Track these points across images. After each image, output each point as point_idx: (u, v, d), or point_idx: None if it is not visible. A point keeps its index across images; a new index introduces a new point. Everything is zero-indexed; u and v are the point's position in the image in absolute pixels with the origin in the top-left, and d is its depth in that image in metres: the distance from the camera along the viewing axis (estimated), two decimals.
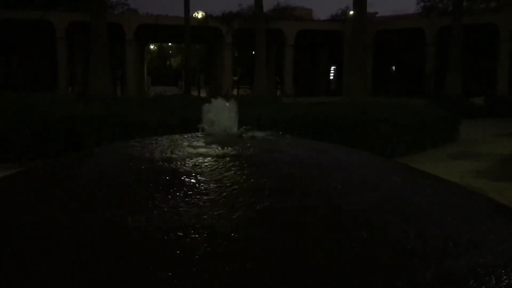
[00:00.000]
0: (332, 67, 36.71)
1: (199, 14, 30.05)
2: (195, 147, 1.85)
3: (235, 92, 30.19)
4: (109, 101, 11.97)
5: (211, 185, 1.47)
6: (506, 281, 1.20)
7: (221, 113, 2.10)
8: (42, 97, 13.30)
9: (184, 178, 1.53)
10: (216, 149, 1.80)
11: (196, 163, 1.64)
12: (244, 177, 1.52)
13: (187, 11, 27.58)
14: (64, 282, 1.14)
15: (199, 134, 2.17)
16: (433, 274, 1.17)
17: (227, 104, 2.13)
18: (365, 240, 1.27)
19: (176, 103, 11.58)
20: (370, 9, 27.36)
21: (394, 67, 34.68)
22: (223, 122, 2.07)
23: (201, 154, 1.74)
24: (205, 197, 1.39)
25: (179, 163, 1.64)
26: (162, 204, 1.39)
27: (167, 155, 1.73)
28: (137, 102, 12.53)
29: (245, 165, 1.62)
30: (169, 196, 1.43)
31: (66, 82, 28.45)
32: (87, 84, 23.35)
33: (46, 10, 27.28)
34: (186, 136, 2.14)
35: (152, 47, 50.94)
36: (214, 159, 1.68)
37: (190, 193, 1.43)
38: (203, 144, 1.93)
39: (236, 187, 1.46)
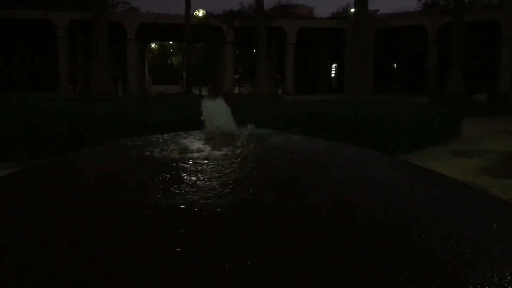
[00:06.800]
0: (334, 65, 36.70)
1: (200, 13, 30.08)
2: (190, 145, 1.85)
3: (236, 90, 30.18)
4: (111, 100, 11.99)
5: (209, 182, 1.47)
6: (509, 277, 1.19)
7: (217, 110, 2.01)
8: (43, 96, 13.32)
9: (183, 175, 1.53)
10: (214, 147, 1.80)
11: (194, 161, 1.64)
12: (244, 174, 1.52)
13: (188, 9, 27.62)
14: (64, 281, 1.13)
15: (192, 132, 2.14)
16: (436, 274, 1.16)
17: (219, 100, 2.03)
18: (367, 239, 1.27)
19: (177, 102, 11.59)
20: (371, 7, 27.35)
21: (395, 65, 34.66)
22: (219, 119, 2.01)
23: (199, 151, 1.74)
24: (205, 194, 1.38)
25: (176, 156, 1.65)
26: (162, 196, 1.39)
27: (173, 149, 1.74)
28: (138, 101, 12.53)
29: (243, 162, 1.61)
30: (166, 189, 1.43)
31: (68, 81, 28.50)
32: (88, 83, 23.41)
33: (47, 10, 27.33)
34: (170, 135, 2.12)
35: (153, 45, 50.98)
36: (212, 156, 1.68)
37: (190, 190, 1.42)
38: (201, 141, 1.92)
39: (236, 184, 1.45)
